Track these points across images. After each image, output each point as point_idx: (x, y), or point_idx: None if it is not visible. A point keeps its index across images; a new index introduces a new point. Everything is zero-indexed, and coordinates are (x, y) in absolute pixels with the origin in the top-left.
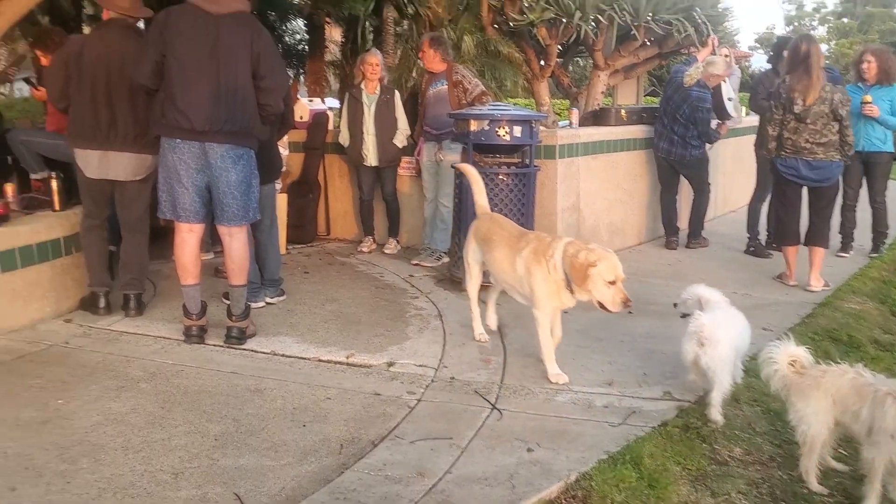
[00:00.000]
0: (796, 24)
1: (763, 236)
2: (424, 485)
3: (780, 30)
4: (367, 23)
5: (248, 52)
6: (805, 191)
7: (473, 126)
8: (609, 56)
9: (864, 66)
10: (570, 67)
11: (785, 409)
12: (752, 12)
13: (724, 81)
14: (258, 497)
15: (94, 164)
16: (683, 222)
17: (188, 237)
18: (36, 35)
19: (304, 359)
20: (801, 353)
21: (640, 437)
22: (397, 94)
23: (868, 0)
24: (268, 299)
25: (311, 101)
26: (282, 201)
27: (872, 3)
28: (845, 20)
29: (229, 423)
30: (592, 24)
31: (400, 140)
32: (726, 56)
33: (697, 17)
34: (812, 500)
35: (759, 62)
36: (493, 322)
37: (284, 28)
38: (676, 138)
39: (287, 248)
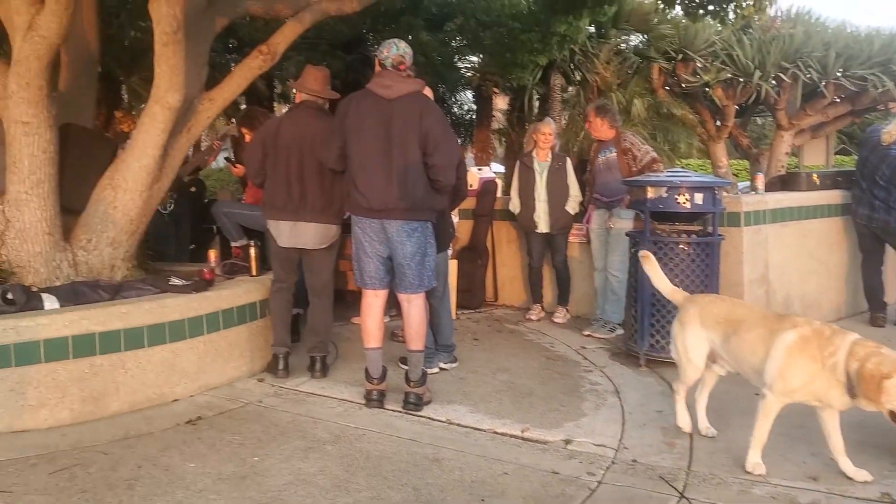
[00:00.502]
0: None
1: None
2: None
3: None
4: (534, 91)
5: (416, 132)
6: None
7: (651, 193)
8: (793, 115)
9: None
10: (749, 127)
11: None
12: None
13: None
14: None
15: (286, 233)
16: (890, 296)
17: (373, 302)
18: (245, 114)
19: (480, 430)
20: None
21: None
22: (569, 160)
23: None
24: (441, 365)
25: (479, 169)
26: (452, 267)
27: None
28: None
29: (409, 491)
30: (773, 82)
31: (572, 207)
32: None
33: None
34: None
35: None
36: (703, 423)
37: (454, 99)
38: (878, 203)
39: (456, 314)
